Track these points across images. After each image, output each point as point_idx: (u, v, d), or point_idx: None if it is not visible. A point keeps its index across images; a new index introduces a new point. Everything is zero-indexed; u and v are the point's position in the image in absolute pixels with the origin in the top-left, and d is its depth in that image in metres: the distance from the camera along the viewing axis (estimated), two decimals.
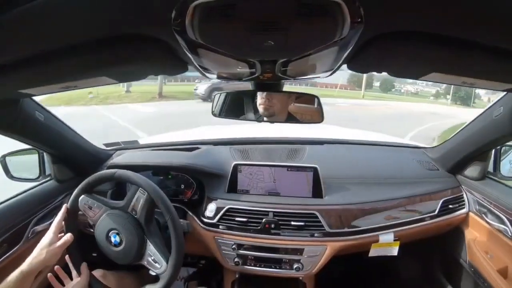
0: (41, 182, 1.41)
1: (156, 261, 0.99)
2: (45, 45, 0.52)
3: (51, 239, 0.96)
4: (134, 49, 0.59)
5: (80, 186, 1.06)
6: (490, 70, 0.65)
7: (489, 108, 1.12)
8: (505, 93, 1.00)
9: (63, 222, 1.03)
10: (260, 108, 1.15)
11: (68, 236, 0.99)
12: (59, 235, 1.00)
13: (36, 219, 1.25)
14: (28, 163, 1.43)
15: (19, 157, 1.43)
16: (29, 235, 1.21)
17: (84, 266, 1.04)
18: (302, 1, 0.45)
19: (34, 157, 1.40)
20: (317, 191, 1.30)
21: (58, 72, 0.67)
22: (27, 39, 0.49)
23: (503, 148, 1.32)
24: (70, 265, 1.07)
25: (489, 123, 1.13)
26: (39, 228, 1.25)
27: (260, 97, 1.15)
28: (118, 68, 0.71)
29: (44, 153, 1.38)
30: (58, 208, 1.35)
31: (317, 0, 0.44)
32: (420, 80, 0.81)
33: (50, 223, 1.28)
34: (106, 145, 1.70)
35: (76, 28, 0.48)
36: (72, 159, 1.41)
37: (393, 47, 0.59)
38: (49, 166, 1.41)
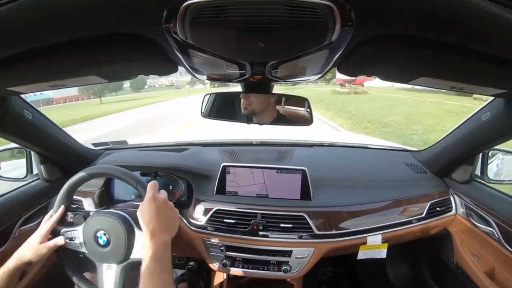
0: (28, 181, 1.39)
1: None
2: (34, 42, 0.51)
3: (41, 239, 0.95)
4: (124, 48, 0.59)
5: (60, 196, 1.03)
6: (479, 75, 0.65)
7: (477, 112, 1.13)
8: (493, 98, 1.01)
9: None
10: (242, 108, 1.15)
11: (61, 239, 0.98)
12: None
13: (22, 219, 1.24)
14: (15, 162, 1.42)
15: (5, 156, 1.43)
16: (16, 235, 1.20)
17: None
18: (293, 4, 0.44)
19: (22, 156, 1.39)
20: (305, 193, 1.30)
21: (47, 70, 0.66)
22: (15, 37, 0.48)
23: (491, 152, 1.33)
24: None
25: (477, 127, 1.13)
26: (26, 228, 1.25)
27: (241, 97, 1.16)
28: (107, 67, 0.70)
29: (32, 153, 1.37)
30: (45, 208, 1.35)
31: (309, 3, 0.44)
32: (410, 84, 0.81)
33: (37, 223, 1.28)
34: (95, 145, 1.69)
35: (66, 26, 0.47)
36: (60, 159, 1.39)
37: (383, 51, 0.59)
38: (36, 165, 1.40)
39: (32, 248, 0.93)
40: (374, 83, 26.57)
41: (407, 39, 0.52)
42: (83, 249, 0.99)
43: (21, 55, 0.53)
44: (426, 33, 0.49)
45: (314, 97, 19.77)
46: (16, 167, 1.44)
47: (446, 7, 0.40)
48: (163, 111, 16.87)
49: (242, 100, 1.15)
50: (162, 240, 0.82)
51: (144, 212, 0.85)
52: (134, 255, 0.96)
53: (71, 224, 1.04)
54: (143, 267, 0.78)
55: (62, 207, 1.02)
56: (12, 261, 0.90)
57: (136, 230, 0.97)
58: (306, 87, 33.45)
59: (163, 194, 0.90)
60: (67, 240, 1.00)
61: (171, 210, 0.90)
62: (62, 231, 1.01)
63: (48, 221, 0.99)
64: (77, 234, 1.00)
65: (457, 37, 0.48)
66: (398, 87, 24.06)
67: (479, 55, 0.52)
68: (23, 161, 1.41)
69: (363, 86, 27.96)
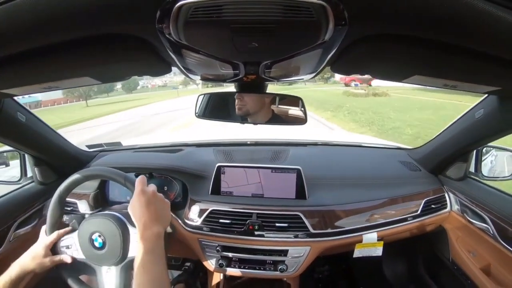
0: (22, 184, 1.39)
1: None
2: (27, 44, 0.50)
3: (46, 251, 0.96)
4: (117, 49, 0.59)
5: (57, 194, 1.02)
6: (472, 73, 0.65)
7: (470, 109, 1.13)
8: (486, 95, 1.01)
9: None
10: (236, 109, 1.15)
11: (68, 258, 0.99)
12: None
13: (17, 222, 1.23)
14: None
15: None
16: (11, 239, 1.19)
17: None
18: (286, 3, 0.44)
19: (16, 159, 1.39)
20: (300, 193, 1.30)
21: (40, 72, 0.65)
22: (8, 39, 0.48)
23: (484, 149, 1.34)
24: None
25: (471, 125, 1.14)
26: (21, 231, 1.24)
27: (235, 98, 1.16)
28: (100, 68, 0.70)
29: (26, 155, 1.36)
30: (40, 211, 1.34)
31: (302, 3, 0.44)
32: (403, 82, 0.81)
33: (33, 227, 1.27)
34: (89, 146, 1.69)
35: (59, 27, 0.47)
36: (54, 161, 1.39)
37: (377, 50, 0.59)
38: (30, 168, 1.39)
39: (36, 259, 0.94)
40: (382, 82, 21.95)
41: (401, 38, 0.52)
42: (81, 255, 0.99)
43: (14, 57, 0.53)
44: (419, 33, 0.49)
45: (326, 100, 15.94)
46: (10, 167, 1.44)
47: (439, 6, 0.40)
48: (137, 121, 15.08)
49: (236, 101, 1.15)
50: (154, 232, 0.81)
51: (134, 206, 0.85)
52: (131, 253, 0.96)
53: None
54: (136, 261, 0.77)
55: (69, 228, 1.02)
56: (15, 271, 0.90)
57: (131, 229, 0.97)
58: (305, 87, 31.90)
59: (152, 187, 0.89)
60: (64, 248, 1.00)
61: (161, 202, 0.89)
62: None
63: (53, 234, 0.99)
64: (73, 241, 1.00)
65: (451, 37, 0.48)
66: (412, 87, 19.12)
67: (473, 54, 0.52)
68: (16, 161, 1.40)
69: (370, 85, 25.21)
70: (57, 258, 0.97)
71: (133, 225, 0.96)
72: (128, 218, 0.98)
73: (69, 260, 0.98)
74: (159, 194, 0.90)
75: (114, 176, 1.00)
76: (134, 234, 0.95)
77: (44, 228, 1.02)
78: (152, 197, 0.86)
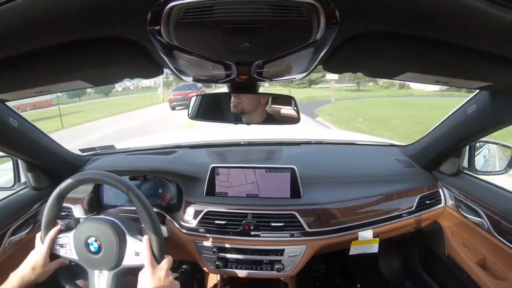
0: (16, 190, 1.37)
1: (137, 252, 0.95)
2: (17, 48, 0.50)
3: (45, 260, 0.95)
4: (109, 52, 0.58)
5: (54, 195, 1.01)
6: (463, 69, 0.66)
7: (463, 105, 1.14)
8: (478, 90, 1.02)
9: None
10: (231, 106, 1.15)
11: (65, 262, 1.00)
12: None
13: (12, 229, 1.22)
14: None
15: None
16: (6, 246, 1.18)
17: None
18: (277, 3, 0.44)
19: (8, 165, 1.37)
20: (295, 192, 1.30)
21: (31, 77, 0.65)
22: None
23: (477, 144, 1.35)
24: None
25: (463, 120, 1.14)
26: (15, 238, 1.23)
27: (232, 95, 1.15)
28: (92, 71, 0.69)
29: (19, 160, 1.35)
30: (34, 217, 1.33)
31: (293, 2, 0.44)
32: (396, 79, 0.81)
33: (27, 233, 1.27)
34: (82, 150, 1.67)
35: (50, 31, 0.47)
36: (48, 166, 1.37)
37: (368, 48, 0.59)
38: (24, 173, 1.38)
39: (36, 269, 0.94)
40: None
41: (392, 36, 0.52)
42: (74, 256, 0.98)
43: (5, 62, 0.52)
44: (410, 30, 0.50)
45: None
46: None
47: (430, 4, 0.41)
48: None
49: (232, 98, 1.14)
50: None
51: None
52: (126, 261, 0.95)
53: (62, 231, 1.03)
54: None
55: (59, 226, 1.01)
56: (17, 283, 0.90)
57: (127, 237, 0.96)
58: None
59: (165, 266, 0.92)
60: (57, 247, 0.99)
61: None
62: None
63: (47, 239, 0.98)
64: (68, 240, 0.99)
65: (442, 33, 0.49)
66: None
67: (463, 50, 0.52)
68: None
69: None
70: (55, 264, 0.98)
71: (130, 232, 0.96)
72: (125, 224, 0.98)
73: (66, 262, 0.99)
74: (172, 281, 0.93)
75: (116, 183, 0.98)
76: (131, 243, 0.96)
77: (39, 235, 1.01)
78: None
